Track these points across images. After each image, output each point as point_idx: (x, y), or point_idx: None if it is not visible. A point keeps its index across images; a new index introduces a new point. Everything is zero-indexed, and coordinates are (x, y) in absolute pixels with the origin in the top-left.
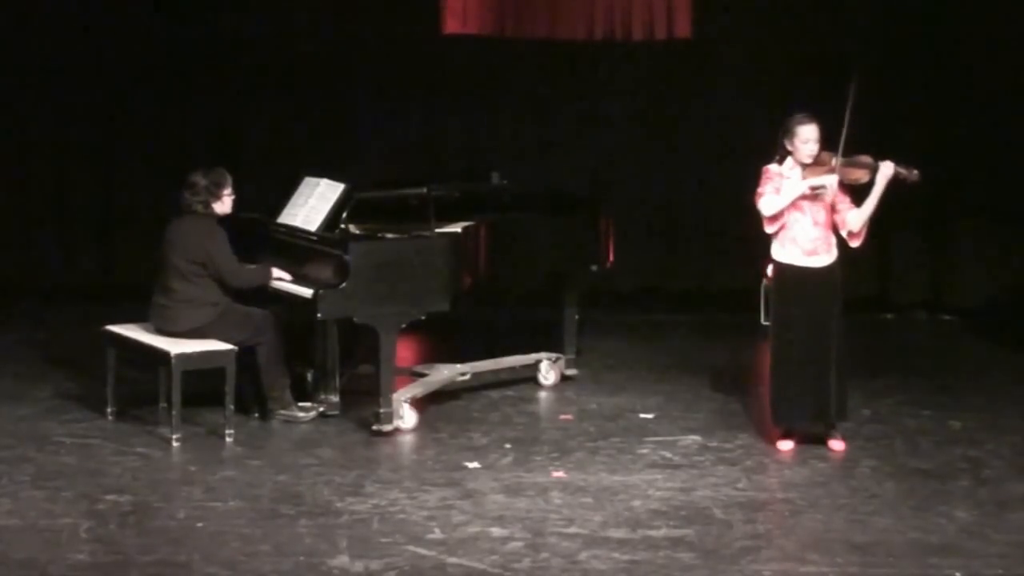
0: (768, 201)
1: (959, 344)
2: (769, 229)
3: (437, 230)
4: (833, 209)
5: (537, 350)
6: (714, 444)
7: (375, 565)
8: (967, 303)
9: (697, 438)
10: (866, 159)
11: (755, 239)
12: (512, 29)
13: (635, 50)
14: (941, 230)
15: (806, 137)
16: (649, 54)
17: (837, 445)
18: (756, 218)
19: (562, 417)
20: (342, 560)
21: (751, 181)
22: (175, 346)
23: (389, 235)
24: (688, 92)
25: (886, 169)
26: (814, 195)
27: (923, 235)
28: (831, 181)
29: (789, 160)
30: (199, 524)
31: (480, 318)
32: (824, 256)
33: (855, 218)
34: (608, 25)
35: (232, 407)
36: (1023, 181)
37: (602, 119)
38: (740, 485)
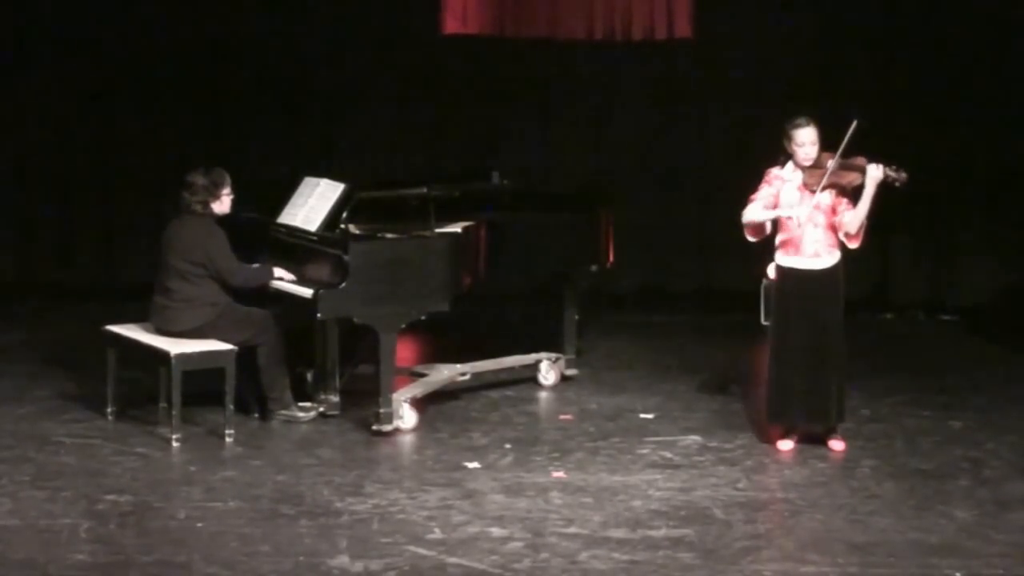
0: (748, 210)
1: (959, 344)
2: (751, 238)
3: (437, 230)
4: (833, 211)
5: (537, 350)
6: (714, 444)
7: (375, 565)
8: (967, 303)
9: (697, 438)
10: (860, 162)
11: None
12: (512, 29)
13: (635, 50)
14: (941, 230)
15: (802, 140)
16: (649, 54)
17: (837, 445)
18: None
19: (562, 417)
20: (342, 560)
21: (751, 181)
22: (175, 346)
23: (389, 235)
24: (688, 92)
25: (875, 172)
26: (812, 193)
27: (923, 235)
28: (802, 215)
29: (791, 163)
30: (199, 524)
31: (480, 318)
32: (826, 258)
33: (851, 220)
34: (608, 25)
35: (232, 407)
36: (1023, 181)
37: (602, 119)
38: (740, 485)
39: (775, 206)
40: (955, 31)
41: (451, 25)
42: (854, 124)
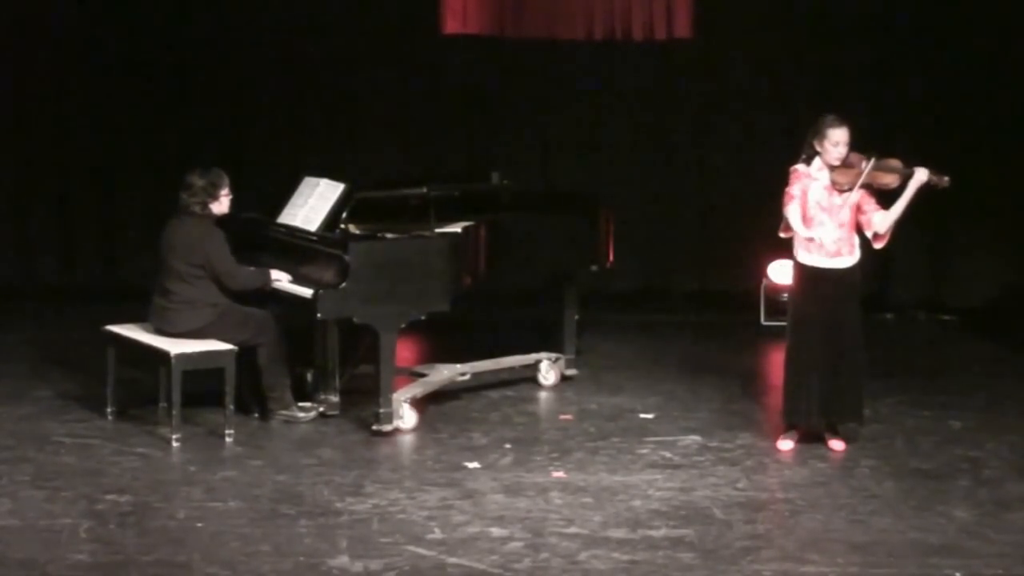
0: (792, 211)
1: (959, 344)
2: (782, 234)
3: (437, 230)
4: (859, 210)
5: (537, 350)
6: (714, 444)
7: (375, 565)
8: (967, 303)
9: (697, 438)
10: (897, 164)
11: (755, 239)
12: (512, 29)
13: (635, 50)
14: (941, 230)
15: (836, 140)
16: (649, 54)
17: (837, 445)
18: (756, 218)
19: (562, 417)
20: (342, 560)
21: (751, 181)
22: (175, 346)
23: (389, 235)
24: (688, 92)
25: (920, 175)
26: (841, 192)
27: (923, 235)
28: (826, 239)
29: (817, 161)
30: (199, 524)
31: (480, 318)
32: (847, 257)
33: (882, 220)
34: (608, 25)
35: (232, 407)
36: (1023, 181)
37: (602, 119)
38: (740, 485)
39: (803, 202)
40: (955, 30)
41: (451, 25)
42: (872, 161)
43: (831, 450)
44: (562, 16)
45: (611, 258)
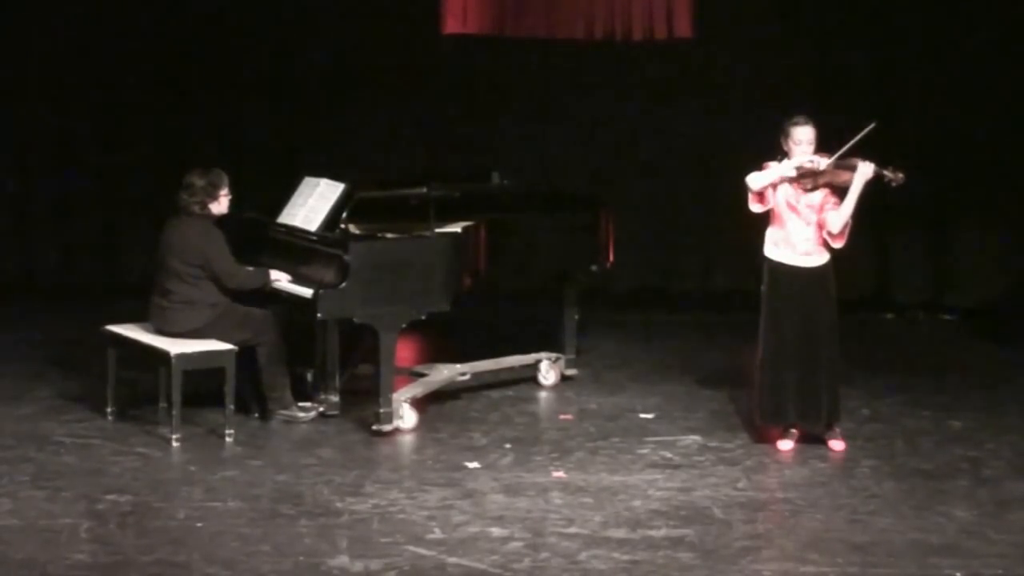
0: (755, 175)
1: (959, 344)
2: (753, 207)
3: (437, 230)
4: (820, 210)
5: (537, 350)
6: (714, 444)
7: (375, 565)
8: (967, 303)
9: (697, 438)
10: (856, 162)
11: (755, 240)
12: (512, 29)
13: (635, 50)
14: (941, 230)
15: (799, 138)
16: (649, 54)
17: (837, 445)
18: (756, 218)
19: (562, 417)
20: (342, 560)
21: None
22: (175, 346)
23: (389, 235)
24: (688, 92)
25: (864, 169)
26: (805, 191)
27: (923, 235)
28: (821, 163)
29: (786, 161)
30: (199, 524)
31: (480, 318)
32: (817, 256)
33: (834, 219)
34: (608, 25)
35: (232, 407)
36: (1023, 181)
37: (602, 119)
38: (740, 485)
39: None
40: (955, 30)
41: (451, 25)
42: (871, 126)
43: (831, 450)
44: (562, 16)
45: (611, 258)
